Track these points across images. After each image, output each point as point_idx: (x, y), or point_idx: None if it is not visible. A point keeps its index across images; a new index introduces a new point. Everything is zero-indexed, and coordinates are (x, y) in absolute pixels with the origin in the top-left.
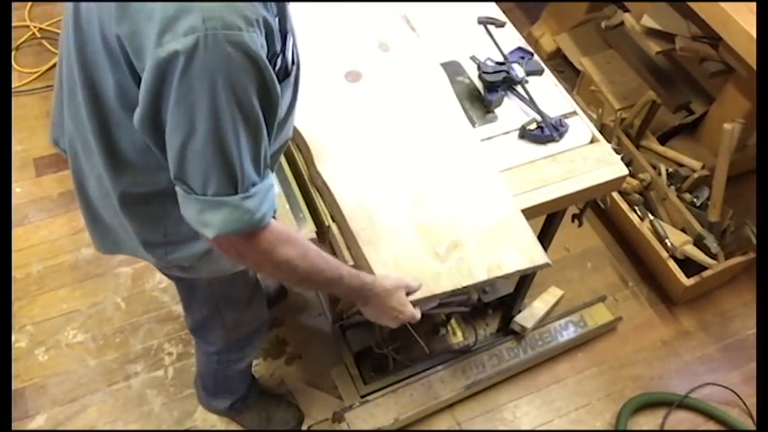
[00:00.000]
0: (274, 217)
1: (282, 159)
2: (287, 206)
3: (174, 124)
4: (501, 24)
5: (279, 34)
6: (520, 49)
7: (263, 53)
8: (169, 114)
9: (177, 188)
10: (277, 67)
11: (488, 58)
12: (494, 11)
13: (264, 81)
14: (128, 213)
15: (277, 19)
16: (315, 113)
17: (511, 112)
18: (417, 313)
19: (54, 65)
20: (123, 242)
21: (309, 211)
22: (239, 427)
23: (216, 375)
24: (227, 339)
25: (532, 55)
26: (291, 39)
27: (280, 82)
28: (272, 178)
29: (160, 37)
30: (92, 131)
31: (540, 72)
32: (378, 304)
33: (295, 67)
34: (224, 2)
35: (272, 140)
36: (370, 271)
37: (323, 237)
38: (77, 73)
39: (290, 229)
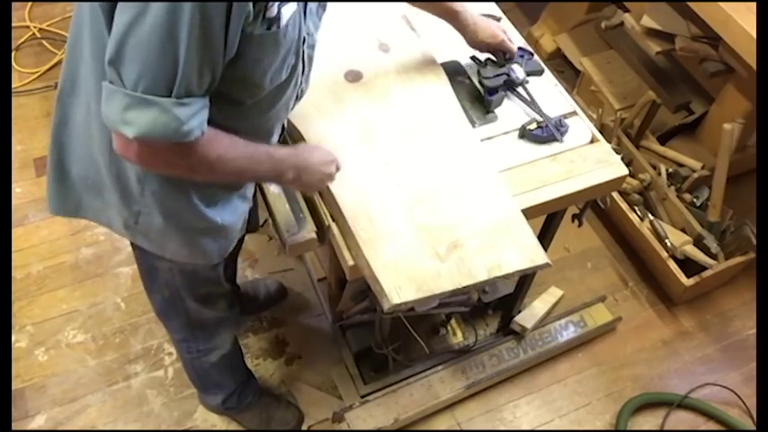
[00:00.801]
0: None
1: None
2: (287, 206)
3: (129, 2)
4: (497, 19)
5: None
6: (520, 49)
7: None
8: None
9: (105, 84)
10: (259, 16)
11: (488, 58)
12: (494, 11)
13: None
14: (110, 156)
15: None
16: (315, 113)
17: (511, 112)
18: (332, 168)
19: (54, 65)
20: (88, 203)
21: (309, 211)
22: (239, 427)
23: (192, 367)
24: (191, 328)
25: (532, 55)
26: (297, 9)
27: (253, 33)
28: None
29: None
30: (90, 52)
31: (540, 72)
32: (306, 169)
33: (287, 34)
34: None
35: (241, 95)
36: (371, 271)
37: (323, 237)
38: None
39: (215, 128)
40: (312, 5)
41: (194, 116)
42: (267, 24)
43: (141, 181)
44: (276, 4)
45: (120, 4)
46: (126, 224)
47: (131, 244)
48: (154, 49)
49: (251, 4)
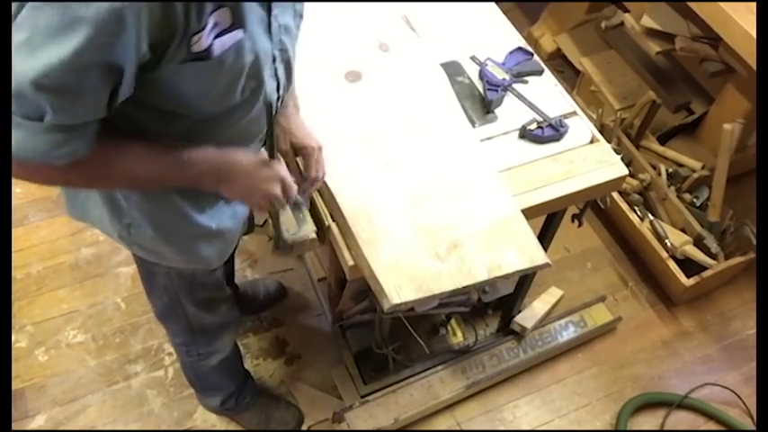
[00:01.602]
0: None
1: None
2: (287, 206)
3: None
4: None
5: (206, 15)
6: (520, 49)
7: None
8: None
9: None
10: (187, 46)
11: (488, 58)
12: (494, 11)
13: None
14: None
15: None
16: (315, 113)
17: (511, 112)
18: (276, 188)
19: None
20: (91, 211)
21: (309, 211)
22: (239, 428)
23: (192, 370)
24: (191, 332)
25: (532, 55)
26: (244, 38)
27: (179, 60)
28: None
29: None
30: None
31: (539, 72)
32: (230, 174)
33: (224, 64)
34: None
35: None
36: (371, 271)
37: (323, 237)
38: None
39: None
40: (285, 21)
41: (67, 142)
42: (192, 56)
43: (126, 196)
44: (205, 35)
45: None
46: (120, 235)
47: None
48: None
49: (145, 45)
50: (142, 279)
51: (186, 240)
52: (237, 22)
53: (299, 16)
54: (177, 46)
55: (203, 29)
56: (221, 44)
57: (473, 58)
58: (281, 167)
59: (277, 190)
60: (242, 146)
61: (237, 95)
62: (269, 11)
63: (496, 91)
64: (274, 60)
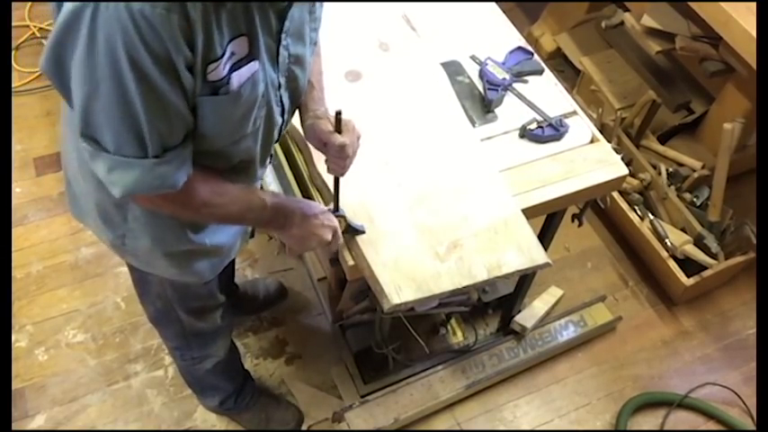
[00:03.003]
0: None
1: (282, 159)
2: None
3: (79, 76)
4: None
5: (225, 42)
6: (520, 48)
7: (169, 35)
8: (74, 64)
9: (85, 145)
10: (203, 74)
11: (488, 58)
12: (494, 10)
13: (165, 58)
14: (90, 181)
15: (238, 38)
16: None
17: (511, 111)
18: (328, 235)
19: None
20: (87, 215)
21: None
22: (239, 427)
23: (188, 372)
24: (184, 337)
25: (532, 54)
26: (259, 69)
27: (197, 93)
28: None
29: None
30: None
31: (540, 72)
32: (300, 227)
33: (242, 97)
34: None
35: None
36: (371, 271)
37: None
38: None
39: (205, 171)
40: (296, 51)
41: (177, 169)
42: (209, 87)
43: (122, 208)
44: (222, 64)
45: (72, 80)
46: (113, 244)
47: None
48: (116, 119)
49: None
50: (135, 284)
51: (180, 257)
52: (253, 52)
53: (312, 44)
54: (199, 70)
55: (222, 57)
56: (239, 77)
57: (473, 58)
58: (332, 217)
59: (329, 237)
60: (251, 167)
61: (249, 126)
62: (278, 42)
63: (497, 90)
64: (279, 87)
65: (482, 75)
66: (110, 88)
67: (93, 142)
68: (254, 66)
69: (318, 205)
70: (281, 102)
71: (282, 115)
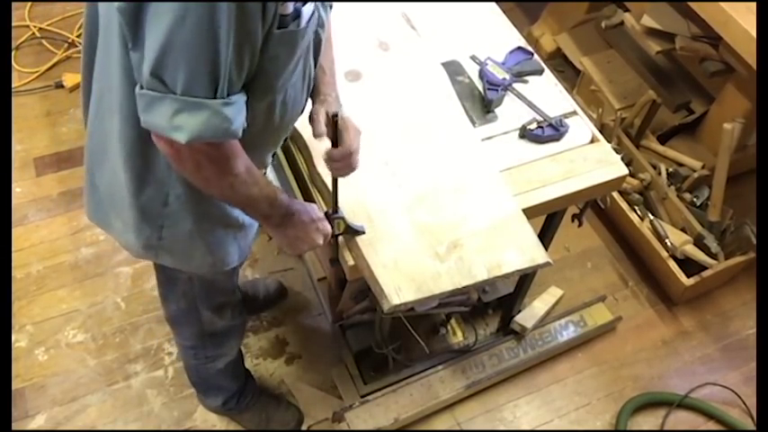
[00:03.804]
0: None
1: (282, 159)
2: None
3: (165, 6)
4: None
5: None
6: (520, 48)
7: None
8: None
9: (145, 93)
10: (275, 10)
11: (488, 58)
12: (494, 10)
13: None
14: (131, 167)
15: None
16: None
17: (511, 111)
18: (320, 241)
19: (54, 64)
20: (113, 221)
21: None
22: (239, 428)
23: (197, 371)
24: (201, 336)
25: (532, 55)
26: (314, 8)
27: (271, 27)
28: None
29: None
30: (118, 63)
31: (540, 72)
32: (296, 228)
33: (298, 36)
34: None
35: (256, 92)
36: (371, 271)
37: None
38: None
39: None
40: (323, 15)
41: (239, 113)
42: (282, 23)
43: (164, 187)
44: (292, 3)
45: (151, 12)
46: (148, 244)
47: None
48: (198, 51)
49: None
50: (160, 285)
51: (218, 234)
52: None
53: (328, 12)
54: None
55: None
56: (304, 14)
57: (473, 58)
58: (327, 224)
59: (320, 242)
60: (266, 151)
61: (298, 73)
62: None
63: (497, 90)
64: (307, 51)
65: (482, 75)
66: (200, 15)
67: (160, 84)
68: (310, 6)
69: (317, 210)
70: (305, 73)
71: (304, 91)
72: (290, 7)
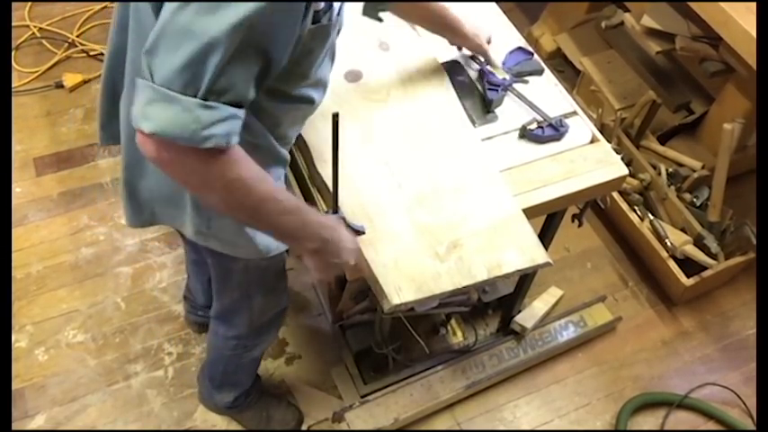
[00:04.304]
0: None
1: None
2: None
3: None
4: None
5: None
6: (520, 48)
7: None
8: None
9: (137, 78)
10: (311, 9)
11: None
12: (494, 10)
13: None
14: None
15: None
16: (315, 113)
17: (511, 111)
18: (352, 259)
19: (54, 64)
20: (162, 211)
21: None
22: (239, 427)
23: (227, 363)
24: (250, 324)
25: (532, 55)
26: (342, 6)
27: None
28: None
29: None
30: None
31: (540, 72)
32: (333, 248)
33: (331, 28)
34: None
35: (290, 84)
36: (371, 272)
37: None
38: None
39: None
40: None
41: (218, 123)
42: (314, 18)
43: None
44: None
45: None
46: (198, 231)
47: (204, 250)
48: (189, 42)
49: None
50: (215, 281)
51: None
52: None
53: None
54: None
55: None
56: (336, 5)
57: (473, 58)
58: (357, 240)
59: (352, 261)
60: (286, 140)
61: (325, 68)
62: None
63: (497, 91)
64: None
65: (482, 75)
66: (198, 10)
67: (148, 68)
68: (337, 3)
69: (347, 229)
70: (333, 56)
71: (330, 71)
72: (322, 3)
